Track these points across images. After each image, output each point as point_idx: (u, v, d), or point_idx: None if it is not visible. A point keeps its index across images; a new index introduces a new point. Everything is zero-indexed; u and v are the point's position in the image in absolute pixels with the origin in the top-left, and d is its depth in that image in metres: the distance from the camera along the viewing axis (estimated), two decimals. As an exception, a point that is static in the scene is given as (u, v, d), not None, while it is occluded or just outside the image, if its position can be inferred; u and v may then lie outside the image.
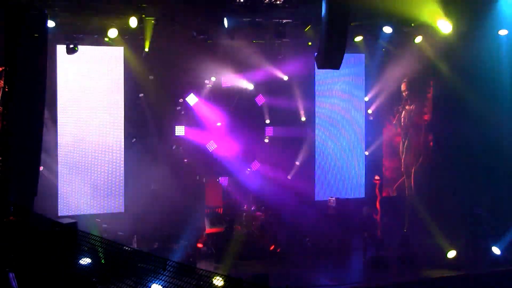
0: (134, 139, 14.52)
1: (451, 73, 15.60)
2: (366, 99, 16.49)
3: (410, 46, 15.43)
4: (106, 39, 13.37)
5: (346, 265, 13.63)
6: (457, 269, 12.79)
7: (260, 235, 14.27)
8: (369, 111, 16.58)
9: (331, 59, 9.36)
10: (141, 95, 14.56)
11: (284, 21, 13.25)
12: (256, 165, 15.68)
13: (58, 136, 13.89)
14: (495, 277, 12.63)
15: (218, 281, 6.83)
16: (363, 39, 14.81)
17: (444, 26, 13.16)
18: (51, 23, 11.43)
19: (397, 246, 14.26)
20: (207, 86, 15.24)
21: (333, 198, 14.94)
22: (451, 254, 13.32)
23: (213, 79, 15.24)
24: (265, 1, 12.10)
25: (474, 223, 14.21)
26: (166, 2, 12.42)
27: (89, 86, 14.24)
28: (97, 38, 13.49)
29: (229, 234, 13.81)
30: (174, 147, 15.00)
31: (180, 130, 15.06)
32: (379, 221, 14.72)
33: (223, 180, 15.58)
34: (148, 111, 14.68)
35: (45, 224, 7.61)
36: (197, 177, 15.24)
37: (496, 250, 13.30)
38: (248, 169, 15.65)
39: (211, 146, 15.27)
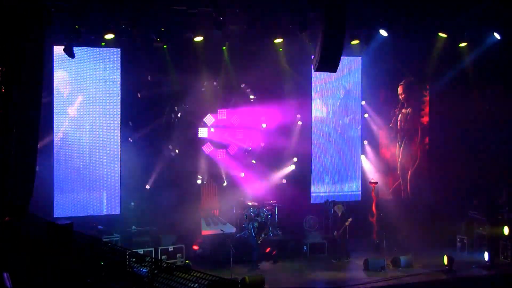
0: (130, 139, 14.41)
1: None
2: (363, 103, 16.48)
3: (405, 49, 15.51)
4: (102, 43, 13.50)
5: (342, 268, 13.65)
6: (452, 272, 12.84)
7: (257, 237, 14.27)
8: (366, 115, 16.59)
9: (328, 62, 9.40)
10: (139, 95, 14.47)
11: None
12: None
13: (55, 137, 13.87)
14: (487, 280, 12.68)
15: (214, 283, 6.84)
16: (359, 42, 14.85)
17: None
18: (48, 24, 11.39)
19: (392, 249, 14.30)
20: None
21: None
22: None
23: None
24: None
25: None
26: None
27: (86, 87, 14.22)
28: (94, 39, 13.49)
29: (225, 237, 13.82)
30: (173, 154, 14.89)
31: (203, 132, 14.94)
32: (375, 224, 14.73)
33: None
34: (145, 112, 14.67)
35: (41, 225, 7.60)
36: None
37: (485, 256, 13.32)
38: (242, 174, 15.59)
39: (208, 149, 15.27)
